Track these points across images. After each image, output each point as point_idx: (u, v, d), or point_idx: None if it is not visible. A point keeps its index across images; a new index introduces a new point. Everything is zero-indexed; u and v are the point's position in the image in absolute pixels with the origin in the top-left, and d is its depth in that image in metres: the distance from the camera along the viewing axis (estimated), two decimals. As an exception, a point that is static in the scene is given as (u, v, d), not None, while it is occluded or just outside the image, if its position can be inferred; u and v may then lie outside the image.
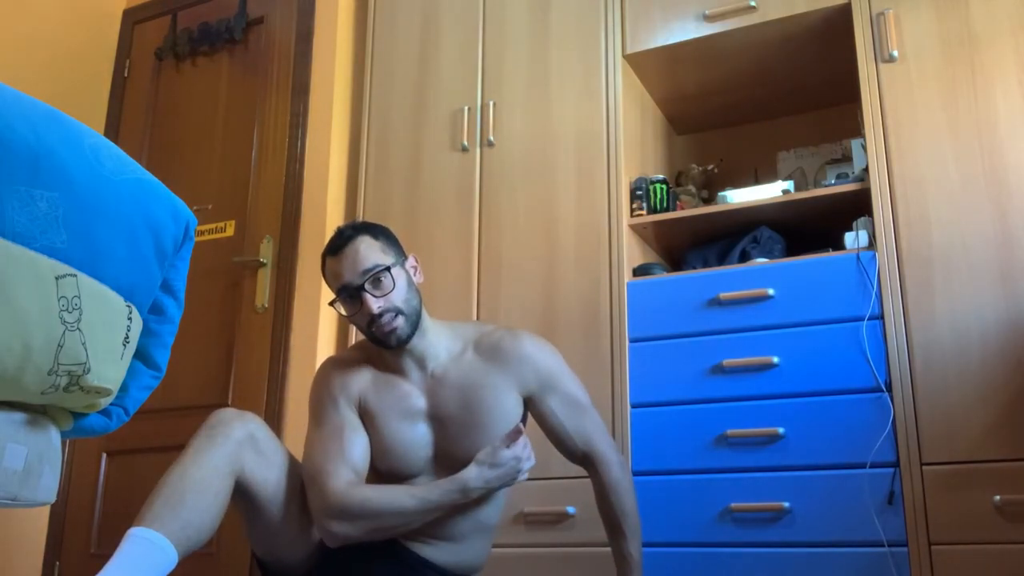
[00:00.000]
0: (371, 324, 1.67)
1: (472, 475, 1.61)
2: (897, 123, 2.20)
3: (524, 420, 1.80)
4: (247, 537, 1.72)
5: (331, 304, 1.74)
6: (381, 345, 1.71)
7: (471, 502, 1.73)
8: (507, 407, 1.75)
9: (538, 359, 1.77)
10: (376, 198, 2.82)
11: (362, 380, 1.75)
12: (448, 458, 1.73)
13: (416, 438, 1.73)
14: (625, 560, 1.72)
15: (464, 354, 1.77)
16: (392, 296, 1.67)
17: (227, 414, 1.64)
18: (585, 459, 1.78)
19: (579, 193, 2.53)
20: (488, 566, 1.87)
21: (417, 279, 1.76)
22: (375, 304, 1.65)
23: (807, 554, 2.03)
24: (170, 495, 1.50)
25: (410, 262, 1.77)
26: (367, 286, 1.66)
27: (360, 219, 1.79)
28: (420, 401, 1.74)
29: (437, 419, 1.73)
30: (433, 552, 1.75)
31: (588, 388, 1.87)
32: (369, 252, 1.68)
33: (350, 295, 1.67)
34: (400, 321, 1.67)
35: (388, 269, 1.68)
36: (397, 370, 1.76)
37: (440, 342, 1.77)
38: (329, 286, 1.74)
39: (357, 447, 1.68)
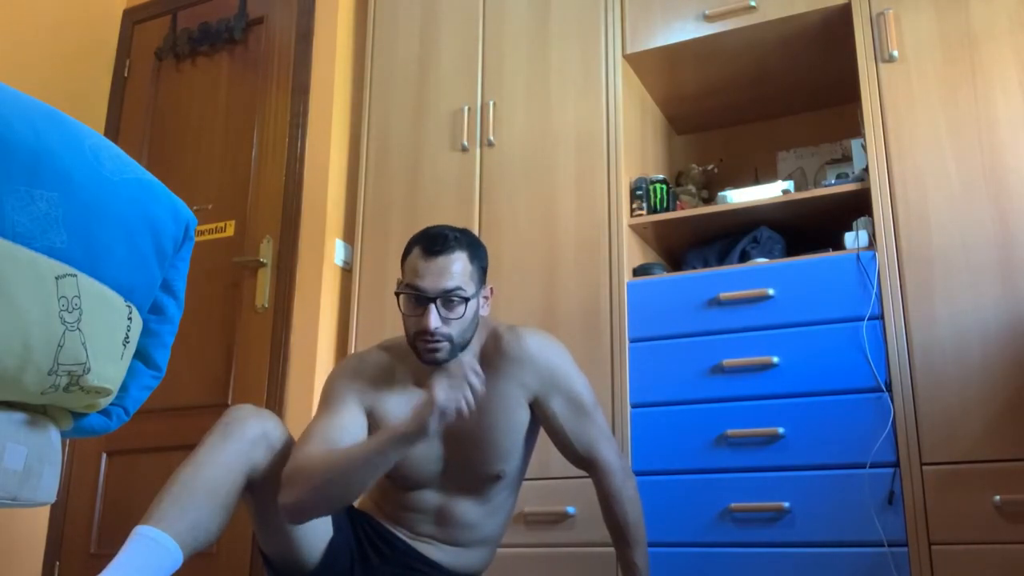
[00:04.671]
0: (419, 335, 1.62)
1: (401, 424, 1.48)
2: (897, 123, 2.20)
3: (536, 427, 1.79)
4: (256, 534, 1.71)
5: (396, 292, 1.68)
6: (418, 357, 1.67)
7: (478, 515, 1.74)
8: (516, 420, 1.73)
9: (540, 360, 1.73)
10: (376, 198, 2.83)
11: (381, 389, 1.71)
12: (457, 472, 1.73)
13: (428, 453, 1.70)
14: (630, 569, 1.70)
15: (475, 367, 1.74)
16: (455, 324, 1.63)
17: (243, 411, 1.62)
18: (587, 465, 1.76)
19: (579, 193, 2.53)
20: (489, 566, 1.87)
21: (483, 310, 1.72)
22: (435, 321, 1.60)
23: (807, 554, 2.03)
24: (179, 494, 1.49)
25: (484, 292, 1.71)
26: (439, 303, 1.61)
27: (458, 228, 1.72)
28: None
29: (450, 437, 1.71)
30: (439, 554, 1.75)
31: (588, 388, 1.86)
32: (460, 273, 1.63)
33: (418, 298, 1.63)
34: (446, 347, 1.63)
35: (466, 300, 1.63)
36: (422, 382, 1.72)
37: (465, 361, 1.71)
38: (403, 274, 1.68)
39: (346, 434, 1.62)
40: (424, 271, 1.62)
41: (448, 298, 1.61)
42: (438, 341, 1.62)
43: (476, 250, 1.69)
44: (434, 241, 1.64)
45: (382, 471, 1.51)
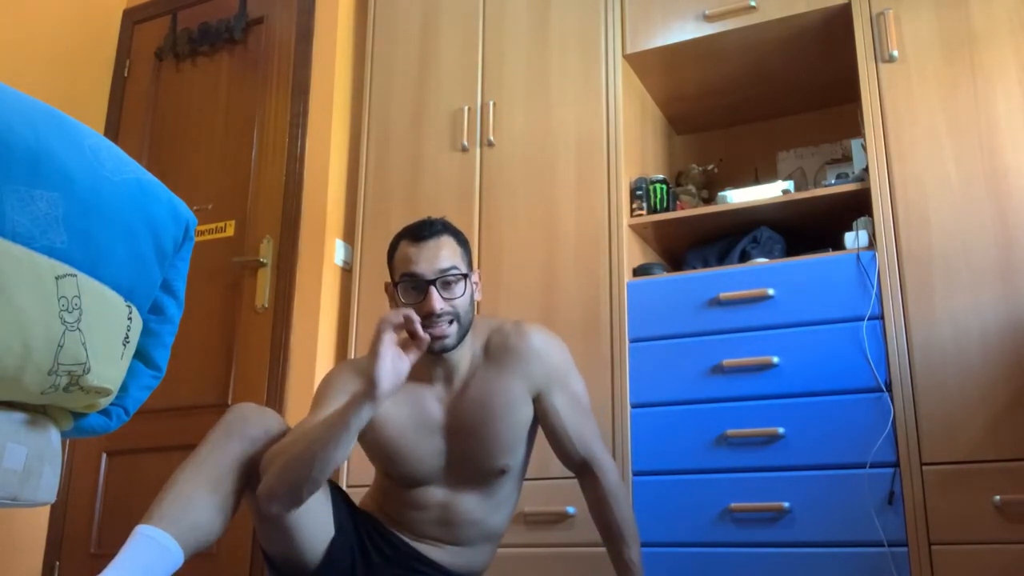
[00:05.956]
0: (423, 320, 1.60)
1: (362, 382, 1.47)
2: (897, 123, 2.20)
3: (536, 423, 1.79)
4: (257, 533, 1.71)
5: (392, 286, 1.69)
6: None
7: (482, 511, 1.74)
8: (520, 414, 1.73)
9: (545, 355, 1.74)
10: (376, 198, 2.82)
11: None
12: (460, 467, 1.72)
13: (431, 449, 1.71)
14: (628, 567, 1.70)
15: (478, 361, 1.73)
16: (456, 303, 1.63)
17: (245, 410, 1.62)
18: (583, 464, 1.76)
19: (579, 193, 2.53)
20: (490, 566, 1.87)
21: (477, 295, 1.72)
22: (439, 303, 1.60)
23: (807, 554, 2.03)
24: (180, 493, 1.48)
25: (474, 277, 1.72)
26: (438, 284, 1.62)
27: (439, 220, 1.73)
28: (439, 414, 1.72)
29: (453, 432, 1.71)
30: (441, 555, 1.75)
31: (588, 388, 1.85)
32: (451, 253, 1.65)
33: (416, 286, 1.63)
34: (453, 329, 1.63)
35: (464, 277, 1.65)
36: (423, 378, 1.72)
37: (467, 355, 1.73)
38: (394, 269, 1.69)
39: None
40: (416, 257, 1.64)
41: (445, 279, 1.63)
42: (445, 323, 1.62)
43: (460, 235, 1.72)
44: (420, 228, 1.67)
45: (346, 443, 1.45)
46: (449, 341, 1.64)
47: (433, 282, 1.62)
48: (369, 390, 1.40)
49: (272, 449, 1.54)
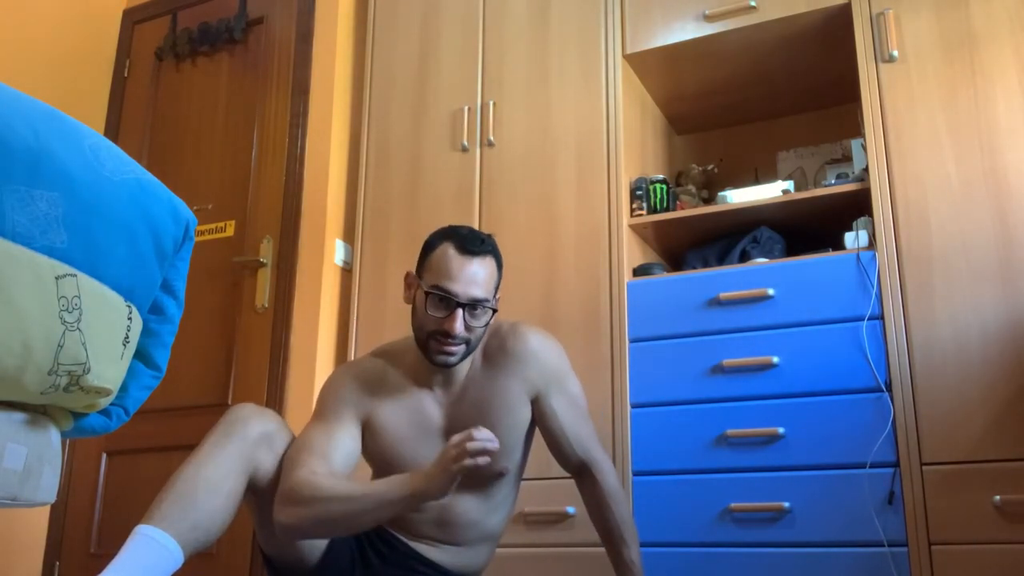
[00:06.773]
0: (437, 335, 1.62)
1: (420, 480, 1.49)
2: (897, 123, 2.20)
3: (533, 425, 1.79)
4: (256, 534, 1.71)
5: (416, 280, 1.68)
6: (426, 355, 1.66)
7: (480, 513, 1.74)
8: (519, 417, 1.73)
9: (543, 357, 1.74)
10: (376, 198, 2.83)
11: (377, 395, 1.70)
12: None
13: (430, 452, 1.69)
14: (628, 568, 1.69)
15: (476, 364, 1.74)
16: (476, 331, 1.64)
17: (245, 411, 1.62)
18: (580, 466, 1.76)
19: (579, 193, 2.53)
20: (489, 566, 1.87)
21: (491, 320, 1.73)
22: (460, 327, 1.60)
23: (807, 554, 2.03)
24: (181, 494, 1.49)
25: (496, 303, 1.71)
26: (467, 310, 1.61)
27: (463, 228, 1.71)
28: (438, 418, 1.72)
29: (452, 435, 1.70)
30: (439, 555, 1.75)
31: (588, 388, 1.86)
32: (490, 282, 1.64)
33: (446, 302, 1.61)
34: (461, 351, 1.64)
35: (493, 311, 1.66)
36: (422, 383, 1.72)
37: (466, 362, 1.72)
38: (428, 268, 1.66)
39: (341, 449, 1.64)
40: (458, 274, 1.61)
41: (475, 307, 1.62)
42: (456, 344, 1.62)
43: (500, 258, 1.71)
44: (470, 242, 1.64)
45: (386, 518, 1.54)
46: (452, 359, 1.64)
47: (463, 306, 1.61)
48: (430, 494, 1.46)
49: (304, 485, 1.52)
